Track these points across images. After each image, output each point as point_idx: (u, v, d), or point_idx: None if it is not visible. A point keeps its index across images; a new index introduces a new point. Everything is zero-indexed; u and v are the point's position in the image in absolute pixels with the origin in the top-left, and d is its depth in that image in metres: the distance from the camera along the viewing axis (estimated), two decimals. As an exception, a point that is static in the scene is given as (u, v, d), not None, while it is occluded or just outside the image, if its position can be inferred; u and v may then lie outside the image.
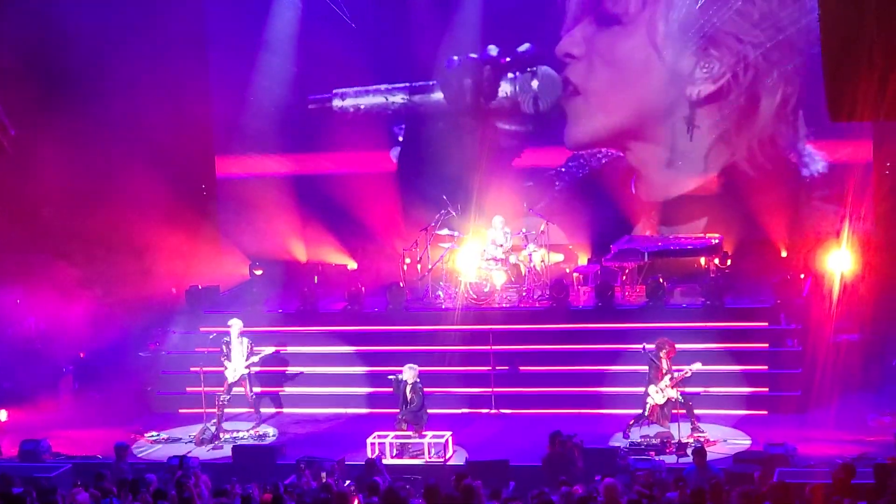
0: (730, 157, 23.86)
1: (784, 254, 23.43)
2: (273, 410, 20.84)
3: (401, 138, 25.27)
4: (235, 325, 19.92)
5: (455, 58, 24.65)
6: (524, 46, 24.43)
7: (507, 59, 24.50)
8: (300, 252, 25.03)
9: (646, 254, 22.04)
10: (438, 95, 24.94)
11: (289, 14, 24.69)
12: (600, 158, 24.51)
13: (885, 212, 22.61)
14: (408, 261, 22.77)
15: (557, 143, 24.56)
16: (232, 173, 25.62)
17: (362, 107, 25.16)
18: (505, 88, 24.64)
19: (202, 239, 24.33)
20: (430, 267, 22.24)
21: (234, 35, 24.98)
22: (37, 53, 22.83)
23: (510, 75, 24.58)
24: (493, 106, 24.70)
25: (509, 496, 13.72)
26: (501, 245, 21.66)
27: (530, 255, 21.89)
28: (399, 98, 25.05)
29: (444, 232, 22.24)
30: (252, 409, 20.18)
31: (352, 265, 24.79)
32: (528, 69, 24.45)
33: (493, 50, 24.51)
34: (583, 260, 23.79)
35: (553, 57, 24.34)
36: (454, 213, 22.59)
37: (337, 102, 25.23)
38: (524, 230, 22.22)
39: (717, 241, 22.65)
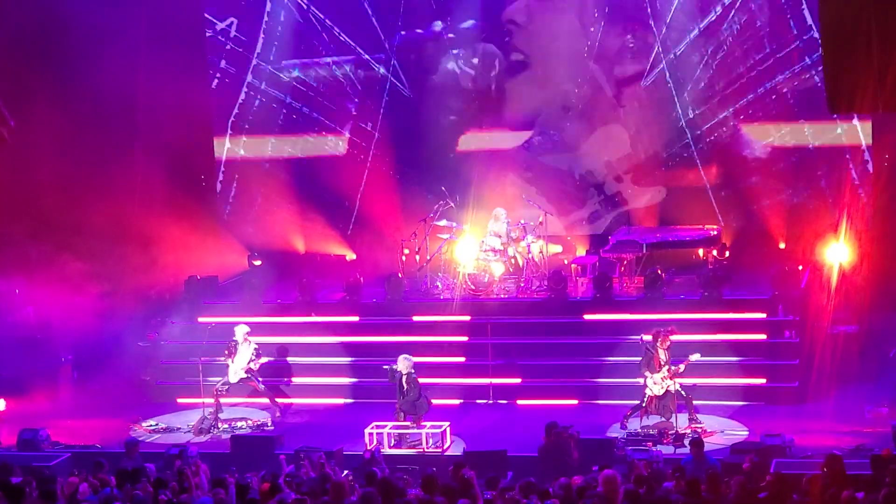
0: (652, 137, 23.83)
1: (782, 245, 23.43)
2: (287, 401, 20.81)
3: (354, 112, 25.15)
4: (241, 329, 19.97)
5: (402, 33, 24.58)
6: (468, 23, 24.34)
7: (451, 35, 24.43)
8: (299, 242, 25.02)
9: (644, 245, 22.03)
10: (383, 71, 24.75)
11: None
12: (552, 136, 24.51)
13: (883, 203, 22.59)
14: (406, 251, 22.76)
15: (499, 124, 24.49)
16: (231, 161, 25.53)
17: (311, 79, 25.02)
18: (447, 65, 24.60)
19: (201, 229, 24.29)
20: (428, 258, 22.25)
21: (232, 18, 24.97)
22: (36, 44, 22.79)
23: (454, 51, 24.53)
24: (436, 82, 24.59)
25: (507, 486, 13.75)
26: (501, 236, 21.68)
27: (529, 245, 21.90)
28: (345, 71, 24.90)
29: (443, 223, 22.24)
30: (268, 400, 20.18)
31: (350, 256, 24.79)
32: (471, 46, 24.35)
33: (437, 26, 24.40)
34: (581, 251, 23.81)
35: (497, 34, 24.19)
36: (453, 204, 22.60)
37: (285, 75, 25.11)
38: (523, 221, 22.23)
39: (715, 232, 22.66)
